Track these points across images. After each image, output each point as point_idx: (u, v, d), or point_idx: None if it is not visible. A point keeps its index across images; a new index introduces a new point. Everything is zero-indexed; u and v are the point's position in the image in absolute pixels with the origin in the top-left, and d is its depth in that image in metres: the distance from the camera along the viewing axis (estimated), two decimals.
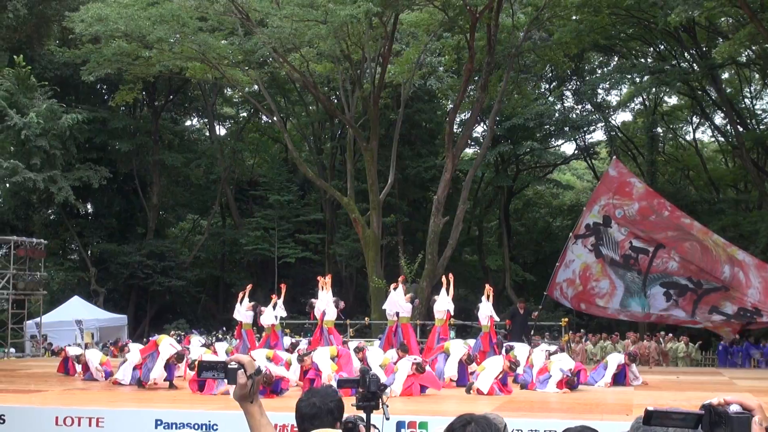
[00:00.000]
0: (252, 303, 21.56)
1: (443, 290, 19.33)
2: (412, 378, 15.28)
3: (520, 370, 17.09)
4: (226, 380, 3.14)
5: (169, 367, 16.82)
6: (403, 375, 15.34)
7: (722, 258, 22.35)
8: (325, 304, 19.47)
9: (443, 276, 19.94)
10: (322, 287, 20.03)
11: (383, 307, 21.06)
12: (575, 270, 23.52)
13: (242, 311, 21.11)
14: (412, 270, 31.28)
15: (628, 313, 22.99)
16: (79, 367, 19.55)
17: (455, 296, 20.30)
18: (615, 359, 18.19)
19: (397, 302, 20.20)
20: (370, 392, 4.83)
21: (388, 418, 5.20)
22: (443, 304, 18.99)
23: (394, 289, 20.58)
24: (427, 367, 15.84)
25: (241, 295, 21.68)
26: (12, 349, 31.75)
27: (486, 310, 19.07)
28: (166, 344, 17.14)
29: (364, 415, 4.69)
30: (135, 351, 17.57)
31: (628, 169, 26.75)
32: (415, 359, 15.92)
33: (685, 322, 24.02)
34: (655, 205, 23.17)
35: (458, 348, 17.36)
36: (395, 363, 16.02)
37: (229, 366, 3.12)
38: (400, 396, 14.67)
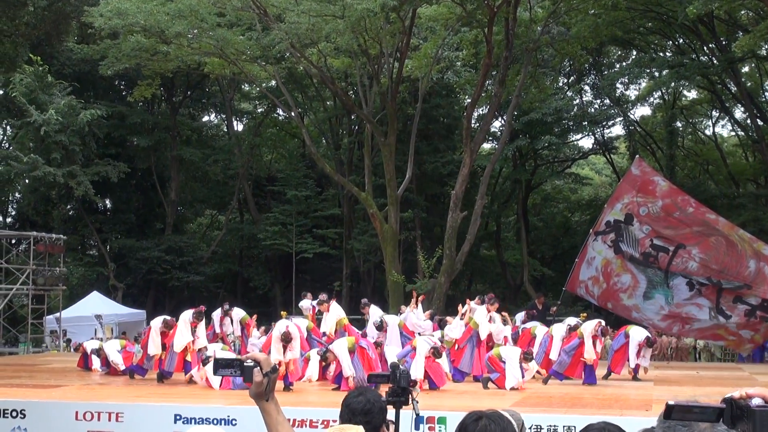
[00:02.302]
0: (262, 328, 21.60)
1: (458, 317, 19.24)
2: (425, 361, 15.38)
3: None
4: (242, 378, 3.15)
5: (186, 362, 16.93)
6: (422, 356, 15.40)
7: (748, 253, 22.27)
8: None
9: (460, 304, 19.80)
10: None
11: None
12: (597, 267, 23.48)
13: (257, 342, 20.98)
14: (430, 265, 31.26)
15: (650, 321, 22.92)
16: (97, 363, 19.65)
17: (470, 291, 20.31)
18: (637, 335, 18.24)
19: (417, 324, 20.24)
20: (400, 388, 4.83)
21: (418, 414, 5.22)
22: (455, 332, 18.82)
23: (413, 310, 20.63)
24: (440, 361, 15.85)
25: (248, 330, 21.59)
26: (44, 345, 32.00)
27: (502, 332, 18.91)
28: (185, 312, 17.33)
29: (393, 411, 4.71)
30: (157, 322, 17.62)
31: (651, 168, 26.68)
32: (434, 342, 16.04)
33: (705, 333, 23.91)
34: (679, 202, 23.11)
35: (481, 315, 17.39)
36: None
37: (245, 364, 3.13)
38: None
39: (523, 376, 16.06)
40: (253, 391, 3.15)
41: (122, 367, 18.74)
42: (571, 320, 19.32)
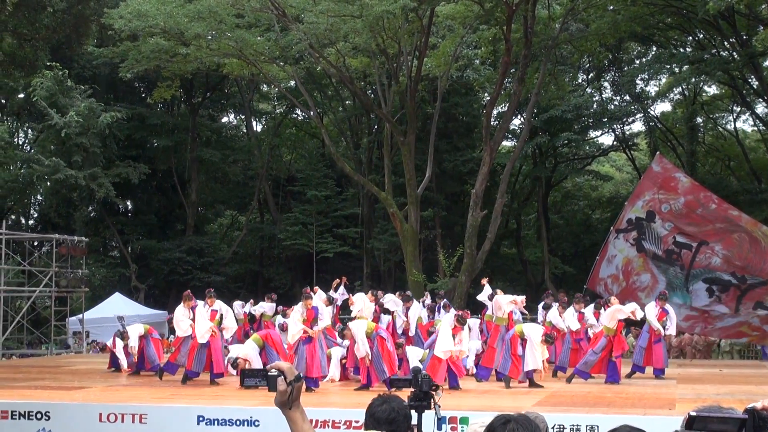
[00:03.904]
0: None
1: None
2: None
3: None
4: (267, 388, 3.20)
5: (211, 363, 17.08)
6: (448, 329, 15.44)
7: None
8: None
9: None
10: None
11: None
12: (618, 265, 23.47)
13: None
14: (451, 264, 31.22)
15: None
16: (125, 362, 19.80)
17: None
18: (651, 310, 18.30)
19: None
20: (422, 392, 4.84)
21: (440, 418, 5.23)
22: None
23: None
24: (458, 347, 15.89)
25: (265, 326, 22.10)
26: (68, 341, 32.17)
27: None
28: (198, 305, 17.47)
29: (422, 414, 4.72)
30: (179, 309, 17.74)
31: (672, 164, 26.60)
32: (458, 312, 16.15)
33: (729, 332, 23.88)
34: (702, 199, 23.03)
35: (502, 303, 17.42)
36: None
37: (269, 373, 3.18)
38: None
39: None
40: (277, 399, 3.19)
41: (135, 350, 19.11)
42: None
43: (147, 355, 19.58)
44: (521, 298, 18.33)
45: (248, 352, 16.95)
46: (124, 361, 19.81)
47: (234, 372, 17.23)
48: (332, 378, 17.06)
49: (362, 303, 18.35)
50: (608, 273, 23.85)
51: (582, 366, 16.93)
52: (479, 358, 18.22)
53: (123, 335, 19.80)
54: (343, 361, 17.20)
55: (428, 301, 23.17)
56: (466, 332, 16.18)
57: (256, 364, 16.42)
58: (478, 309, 21.37)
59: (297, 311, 15.96)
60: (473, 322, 19.61)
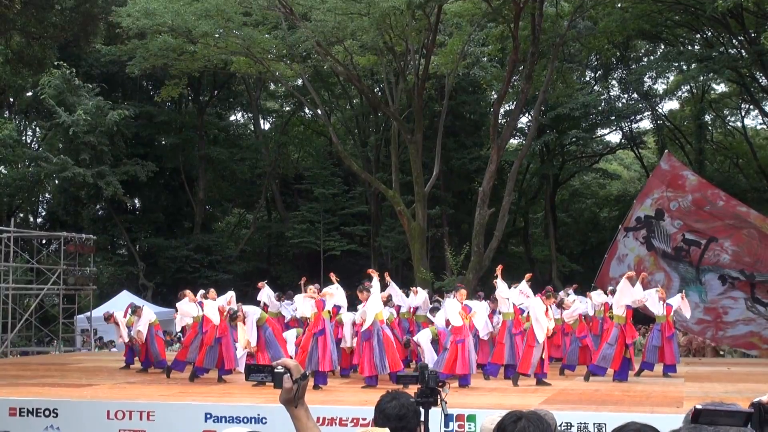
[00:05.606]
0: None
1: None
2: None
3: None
4: (273, 384, 3.20)
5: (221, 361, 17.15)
6: (455, 311, 15.43)
7: None
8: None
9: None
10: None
11: None
12: (630, 264, 23.44)
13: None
14: (458, 262, 31.20)
15: (683, 323, 22.82)
16: (125, 334, 20.01)
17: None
18: (655, 301, 18.24)
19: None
20: (429, 388, 4.85)
21: (446, 414, 5.24)
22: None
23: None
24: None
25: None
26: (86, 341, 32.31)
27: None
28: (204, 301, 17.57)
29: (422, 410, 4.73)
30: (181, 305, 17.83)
31: (680, 162, 26.59)
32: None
33: (739, 341, 23.87)
34: (709, 196, 23.01)
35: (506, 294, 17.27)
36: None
37: (275, 370, 3.17)
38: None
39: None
40: (282, 396, 3.18)
41: (143, 336, 19.32)
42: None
43: (150, 349, 19.66)
44: (523, 284, 17.92)
45: (249, 311, 17.08)
46: (125, 332, 19.98)
47: (232, 325, 17.25)
48: (348, 347, 17.07)
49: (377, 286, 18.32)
50: (620, 272, 23.81)
51: (601, 361, 16.68)
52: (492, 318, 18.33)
53: (136, 310, 19.96)
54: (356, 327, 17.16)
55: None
56: (478, 308, 16.24)
57: (249, 325, 16.64)
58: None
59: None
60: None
